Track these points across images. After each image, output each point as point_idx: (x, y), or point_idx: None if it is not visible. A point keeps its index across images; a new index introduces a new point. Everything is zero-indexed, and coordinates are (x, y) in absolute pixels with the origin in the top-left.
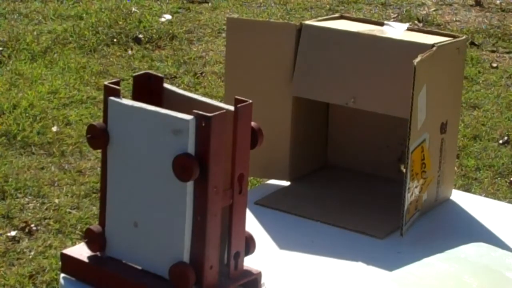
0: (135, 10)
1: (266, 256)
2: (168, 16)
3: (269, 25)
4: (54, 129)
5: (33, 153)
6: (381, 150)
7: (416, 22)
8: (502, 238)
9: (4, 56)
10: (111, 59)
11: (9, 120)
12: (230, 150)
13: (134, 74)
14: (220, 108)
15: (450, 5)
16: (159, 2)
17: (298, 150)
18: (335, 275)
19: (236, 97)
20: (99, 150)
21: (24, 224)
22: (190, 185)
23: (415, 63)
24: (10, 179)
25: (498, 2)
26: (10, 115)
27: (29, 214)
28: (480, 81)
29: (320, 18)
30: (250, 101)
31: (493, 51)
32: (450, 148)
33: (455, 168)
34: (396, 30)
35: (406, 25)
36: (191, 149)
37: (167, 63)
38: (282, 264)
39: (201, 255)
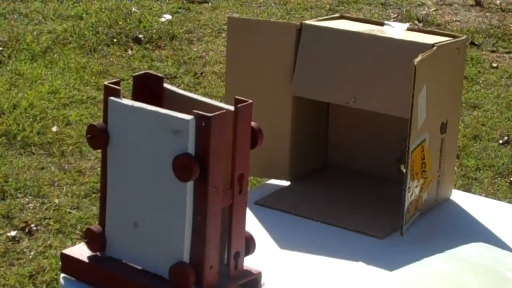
0: (135, 10)
1: (266, 256)
2: (168, 16)
3: (270, 25)
4: (54, 129)
5: (33, 153)
6: (381, 150)
7: (416, 22)
8: (502, 238)
9: (4, 56)
10: (111, 59)
11: (9, 120)
12: (230, 150)
13: (134, 74)
14: (220, 108)
15: (450, 5)
16: (159, 2)
17: (298, 150)
18: (335, 275)
19: (236, 97)
20: (99, 150)
21: (24, 224)
22: (190, 185)
23: (415, 63)
24: (10, 179)
25: (498, 2)
26: (10, 115)
27: (29, 214)
28: (480, 81)
29: (320, 18)
30: (250, 101)
31: (493, 51)
32: (450, 148)
33: (455, 168)
34: (396, 30)
35: (406, 25)
36: (191, 149)
37: (167, 63)
38: (282, 264)
39: (201, 255)
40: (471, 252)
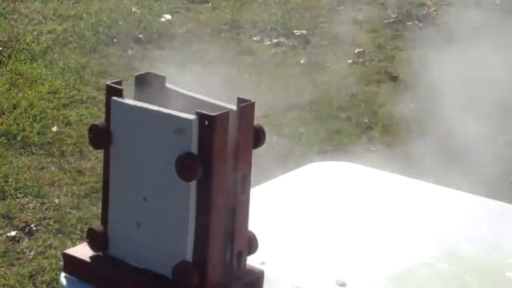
0: (135, 10)
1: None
2: (168, 16)
3: None
4: (54, 129)
5: (33, 153)
6: None
7: (416, 22)
8: (502, 238)
9: (4, 56)
10: (111, 59)
11: (9, 120)
12: (233, 150)
13: (136, 74)
14: (223, 108)
15: (450, 5)
16: (159, 2)
17: None
18: (334, 275)
19: (239, 96)
20: (100, 150)
21: (24, 224)
22: (193, 184)
23: None
24: (10, 179)
25: (498, 2)
26: (10, 115)
27: (29, 214)
28: None
29: None
30: (253, 100)
31: None
32: None
33: (456, 168)
34: None
35: None
36: (194, 149)
37: (167, 63)
38: (283, 260)
39: (204, 254)
40: (471, 252)
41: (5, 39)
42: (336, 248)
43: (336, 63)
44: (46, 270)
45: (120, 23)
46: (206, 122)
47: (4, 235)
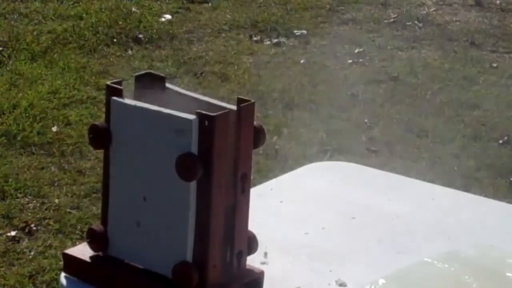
0: (135, 10)
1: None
2: (168, 16)
3: None
4: (54, 129)
5: (33, 153)
6: None
7: (416, 22)
8: (502, 238)
9: (4, 56)
10: (111, 59)
11: (9, 120)
12: (233, 150)
13: (135, 74)
14: (223, 108)
15: (450, 5)
16: (159, 2)
17: None
18: (334, 275)
19: (239, 96)
20: (100, 150)
21: (24, 224)
22: (193, 184)
23: None
24: (10, 179)
25: (498, 2)
26: (10, 115)
27: (29, 214)
28: (480, 81)
29: None
30: (253, 100)
31: (493, 51)
32: None
33: (455, 167)
34: None
35: None
36: (194, 149)
37: (167, 63)
38: (283, 260)
39: (204, 254)
40: (471, 252)
41: (5, 39)
42: (336, 248)
43: (336, 63)
44: (46, 270)
45: (120, 23)
46: (206, 122)
47: (4, 235)
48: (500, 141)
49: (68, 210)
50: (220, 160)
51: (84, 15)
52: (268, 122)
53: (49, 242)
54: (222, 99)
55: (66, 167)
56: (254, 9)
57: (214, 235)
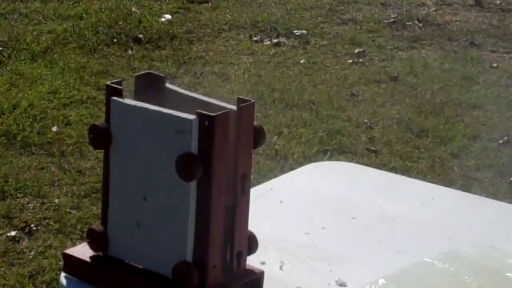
0: (135, 10)
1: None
2: (168, 16)
3: None
4: (54, 129)
5: (33, 153)
6: None
7: (416, 22)
8: (502, 238)
9: (4, 56)
10: (111, 59)
11: (9, 120)
12: (233, 150)
13: (135, 74)
14: (223, 108)
15: (450, 5)
16: (159, 2)
17: None
18: (334, 275)
19: (239, 96)
20: (100, 150)
21: (24, 224)
22: (193, 184)
23: None
24: (10, 179)
25: (498, 2)
26: (10, 115)
27: (29, 214)
28: (480, 81)
29: None
30: (253, 100)
31: (493, 51)
32: None
33: (455, 168)
34: None
35: None
36: (194, 149)
37: (167, 63)
38: (283, 260)
39: (204, 254)
40: (471, 252)
41: (5, 39)
42: (336, 248)
43: (336, 63)
44: (46, 270)
45: (120, 23)
46: (206, 122)
47: (4, 235)
48: (500, 141)
49: (68, 210)
50: (220, 160)
51: (84, 15)
52: (268, 122)
53: (49, 242)
54: (222, 99)
55: (66, 167)
56: (254, 9)
57: (214, 235)
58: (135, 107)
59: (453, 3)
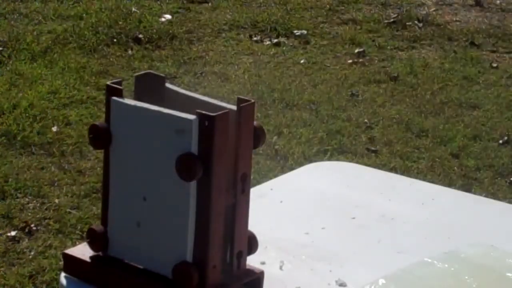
0: (135, 10)
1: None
2: (168, 16)
3: None
4: (54, 129)
5: (33, 153)
6: None
7: (416, 22)
8: (502, 238)
9: (4, 56)
10: (111, 59)
11: (9, 120)
12: (233, 150)
13: (135, 74)
14: (223, 108)
15: (450, 5)
16: (159, 2)
17: None
18: (334, 275)
19: (239, 96)
20: (100, 150)
21: (24, 224)
22: (193, 184)
23: None
24: (10, 179)
25: (498, 2)
26: (10, 115)
27: (29, 214)
28: (480, 81)
29: None
30: (253, 100)
31: (493, 51)
32: None
33: (455, 168)
34: None
35: None
36: (194, 149)
37: (167, 63)
38: (283, 260)
39: (204, 254)
40: (471, 252)
41: (5, 39)
42: (336, 248)
43: (336, 63)
44: (46, 270)
45: (120, 23)
46: (206, 122)
47: (4, 235)
48: (500, 141)
49: (68, 210)
50: (220, 160)
51: (84, 15)
52: (268, 122)
53: (49, 242)
54: (222, 99)
55: (66, 167)
56: (254, 9)
57: (214, 235)
58: (135, 107)
59: (453, 3)
